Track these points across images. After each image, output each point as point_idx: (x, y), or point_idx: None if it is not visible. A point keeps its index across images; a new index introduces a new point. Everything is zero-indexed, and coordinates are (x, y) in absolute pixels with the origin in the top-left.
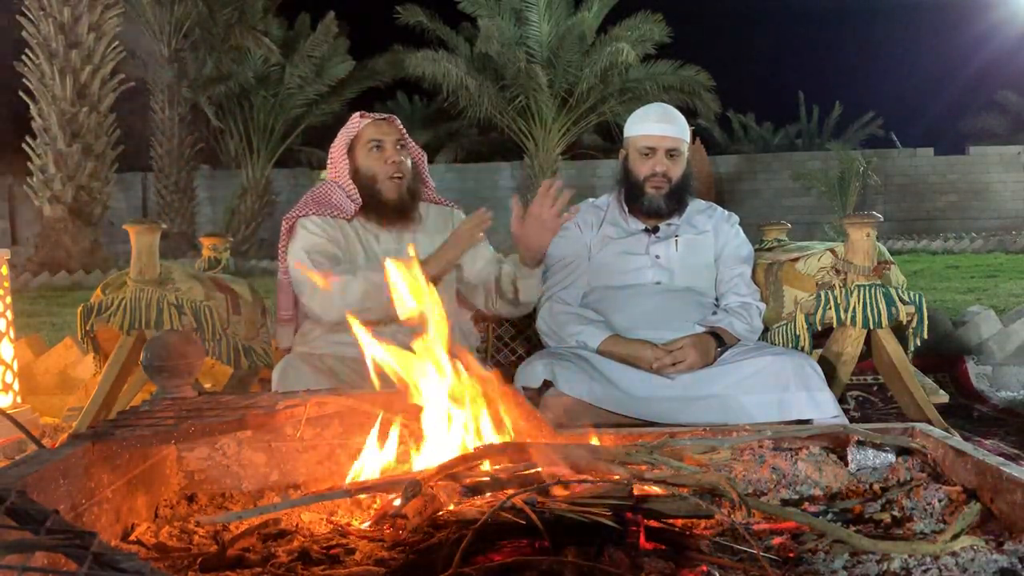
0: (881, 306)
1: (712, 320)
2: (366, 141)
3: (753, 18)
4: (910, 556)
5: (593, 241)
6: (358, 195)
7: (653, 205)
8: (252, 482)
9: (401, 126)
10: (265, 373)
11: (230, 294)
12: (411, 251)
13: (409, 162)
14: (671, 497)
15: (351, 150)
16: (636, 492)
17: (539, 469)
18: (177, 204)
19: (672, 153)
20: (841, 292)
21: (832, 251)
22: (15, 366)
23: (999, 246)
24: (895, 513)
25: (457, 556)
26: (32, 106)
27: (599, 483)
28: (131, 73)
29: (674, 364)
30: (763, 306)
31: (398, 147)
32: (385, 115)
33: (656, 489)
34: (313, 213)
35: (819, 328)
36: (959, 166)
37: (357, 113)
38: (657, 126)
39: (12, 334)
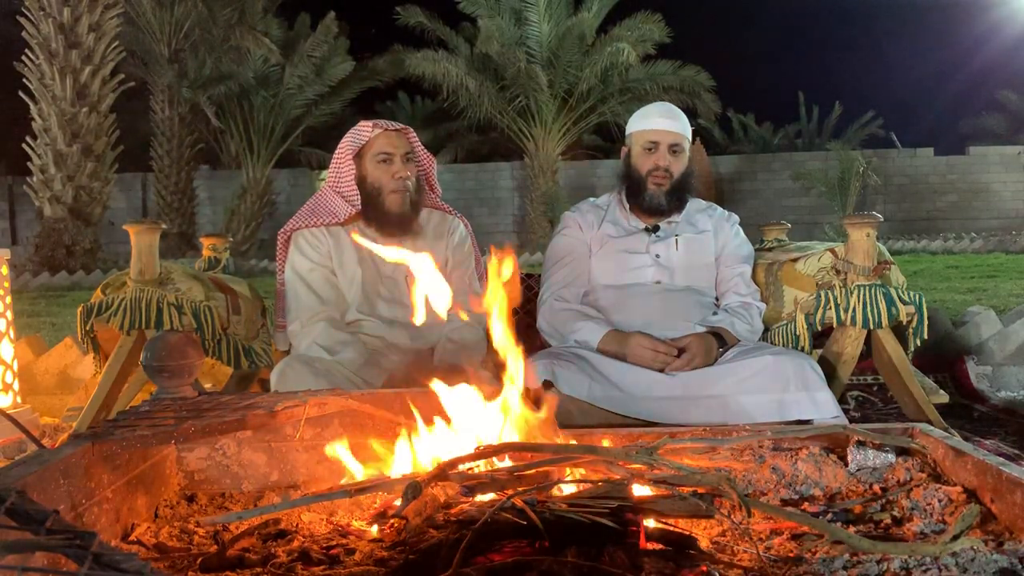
0: (881, 306)
1: (713, 320)
2: (376, 152)
3: (753, 18)
4: (910, 556)
5: (593, 240)
6: (359, 200)
7: (654, 201)
8: (252, 482)
9: (413, 137)
10: (265, 373)
11: (230, 294)
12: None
13: (415, 176)
14: (671, 497)
15: (359, 156)
16: (636, 492)
17: (538, 469)
18: (177, 204)
19: (674, 149)
20: (841, 292)
21: (832, 251)
22: (15, 366)
23: (999, 246)
24: (895, 513)
25: (457, 556)
26: (32, 106)
27: (599, 483)
28: (131, 73)
29: (682, 366)
30: (763, 306)
31: (406, 160)
32: (399, 126)
33: (656, 489)
34: (308, 225)
35: (819, 328)
36: (959, 166)
37: (370, 122)
38: (660, 121)
39: (12, 334)
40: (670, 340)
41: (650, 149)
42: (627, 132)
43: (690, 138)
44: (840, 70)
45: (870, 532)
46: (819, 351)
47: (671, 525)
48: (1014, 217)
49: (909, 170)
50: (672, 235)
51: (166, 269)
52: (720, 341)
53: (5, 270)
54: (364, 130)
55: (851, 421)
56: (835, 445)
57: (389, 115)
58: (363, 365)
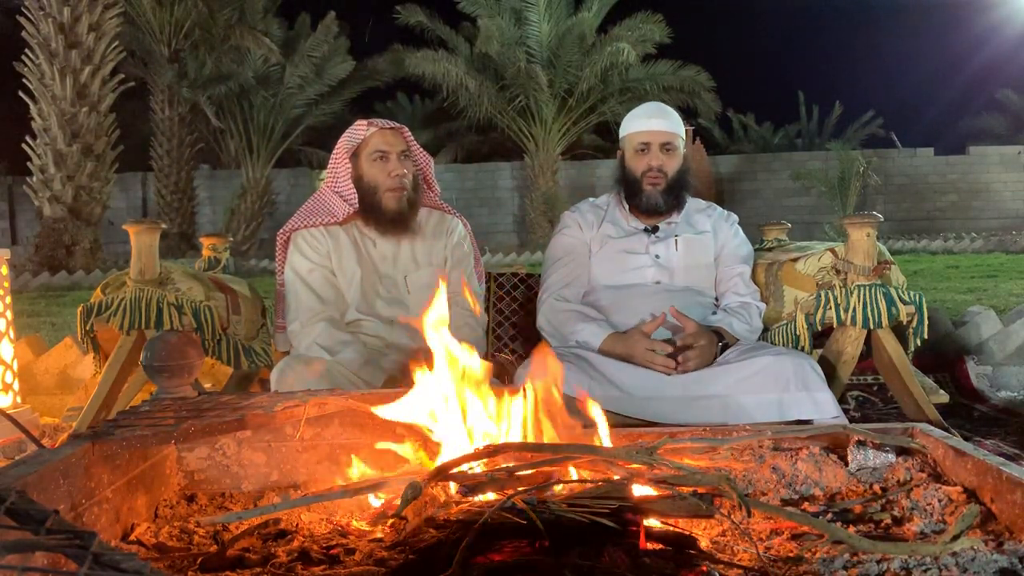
0: (881, 306)
1: (712, 320)
2: (372, 150)
3: (753, 18)
4: (910, 556)
5: (593, 240)
6: (356, 200)
7: (651, 201)
8: (252, 482)
9: (408, 136)
10: (265, 373)
11: (230, 294)
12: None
13: (411, 174)
14: (671, 497)
15: (355, 155)
16: (636, 492)
17: (538, 469)
18: (177, 204)
19: (667, 147)
20: (841, 292)
21: (832, 251)
22: (15, 366)
23: (999, 246)
24: (895, 513)
25: (457, 556)
26: (32, 106)
27: (599, 483)
28: (131, 73)
29: (686, 354)
30: (763, 306)
31: (402, 158)
32: (393, 124)
33: (656, 489)
34: (307, 225)
35: (819, 328)
36: (959, 166)
37: (365, 121)
38: (650, 121)
39: (12, 334)
40: (673, 339)
41: (642, 150)
42: (620, 135)
43: (683, 135)
44: (840, 70)
45: (870, 532)
46: (819, 351)
47: (671, 525)
48: (1014, 217)
49: (909, 170)
50: (671, 235)
51: (166, 269)
52: (719, 339)
53: (5, 270)
54: (359, 129)
55: (851, 421)
56: (835, 445)
57: (389, 115)
58: (363, 365)
